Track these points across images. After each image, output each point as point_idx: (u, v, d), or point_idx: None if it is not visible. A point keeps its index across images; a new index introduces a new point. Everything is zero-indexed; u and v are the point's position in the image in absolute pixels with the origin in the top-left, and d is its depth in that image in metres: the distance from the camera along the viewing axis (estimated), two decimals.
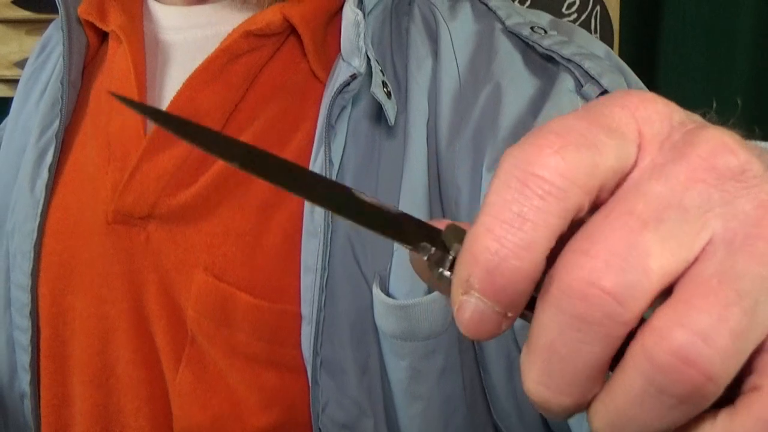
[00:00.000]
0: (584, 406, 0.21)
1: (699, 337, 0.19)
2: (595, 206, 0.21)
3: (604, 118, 0.21)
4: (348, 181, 0.49)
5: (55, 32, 0.64)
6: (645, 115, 0.22)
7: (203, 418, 0.50)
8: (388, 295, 0.47)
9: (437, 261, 0.22)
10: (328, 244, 0.47)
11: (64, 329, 0.54)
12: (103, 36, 0.59)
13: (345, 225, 0.48)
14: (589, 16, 1.41)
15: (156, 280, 0.51)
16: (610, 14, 1.40)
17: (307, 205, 0.48)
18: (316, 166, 0.48)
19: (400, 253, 0.48)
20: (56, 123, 0.55)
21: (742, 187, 0.20)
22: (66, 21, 0.56)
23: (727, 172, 0.20)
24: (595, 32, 1.38)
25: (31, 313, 0.54)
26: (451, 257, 0.22)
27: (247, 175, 0.50)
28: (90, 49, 0.58)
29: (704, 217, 0.20)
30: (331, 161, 0.48)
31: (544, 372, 0.21)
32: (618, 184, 0.21)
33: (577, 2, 1.41)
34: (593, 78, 0.47)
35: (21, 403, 0.58)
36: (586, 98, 0.46)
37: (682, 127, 0.22)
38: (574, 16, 1.39)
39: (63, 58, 0.55)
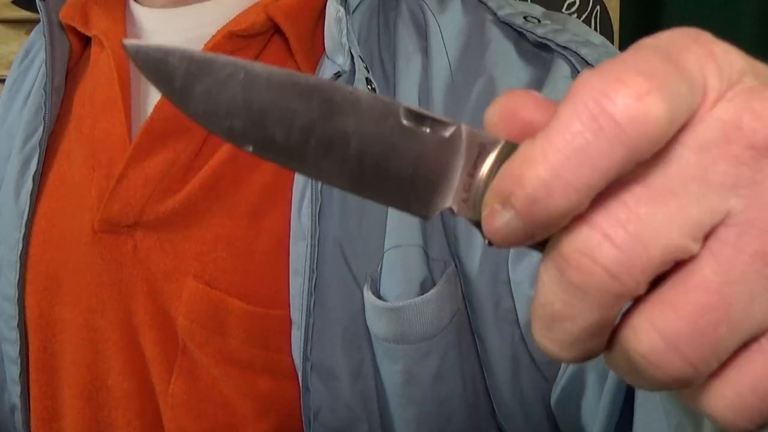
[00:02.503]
0: (589, 356, 0.21)
1: (668, 344, 0.19)
2: None
3: (685, 63, 0.19)
4: None
5: (38, 37, 0.62)
6: (716, 66, 0.20)
7: (197, 429, 0.49)
8: (379, 296, 0.46)
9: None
10: (316, 246, 0.46)
11: (53, 341, 0.53)
12: (86, 40, 0.57)
13: (333, 226, 0.47)
14: (589, 16, 1.40)
15: (145, 290, 0.50)
16: (610, 14, 1.39)
17: (295, 207, 0.47)
18: None
19: (391, 253, 0.47)
20: (40, 130, 0.54)
21: None
22: (48, 26, 0.54)
23: (766, 149, 0.19)
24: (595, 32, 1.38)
25: (18, 325, 0.53)
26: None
27: (236, 179, 0.49)
28: (73, 53, 0.57)
29: (726, 193, 0.19)
30: None
31: (544, 326, 0.20)
32: None
33: (577, 2, 1.41)
34: (590, 64, 0.46)
35: (12, 415, 0.57)
36: None
37: (741, 85, 0.20)
38: (574, 16, 1.38)
39: (45, 64, 0.54)
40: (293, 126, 0.22)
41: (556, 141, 0.19)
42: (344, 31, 0.48)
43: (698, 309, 0.18)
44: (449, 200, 0.22)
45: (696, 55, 0.20)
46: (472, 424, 0.49)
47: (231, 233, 0.48)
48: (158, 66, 0.22)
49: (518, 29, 0.50)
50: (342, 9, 0.48)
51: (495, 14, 0.51)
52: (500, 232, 0.20)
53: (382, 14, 0.53)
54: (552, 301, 0.20)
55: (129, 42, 0.23)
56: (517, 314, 0.46)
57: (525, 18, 0.50)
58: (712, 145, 0.19)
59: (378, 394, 0.48)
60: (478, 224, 0.22)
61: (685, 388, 0.20)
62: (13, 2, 1.37)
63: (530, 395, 0.48)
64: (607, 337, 0.20)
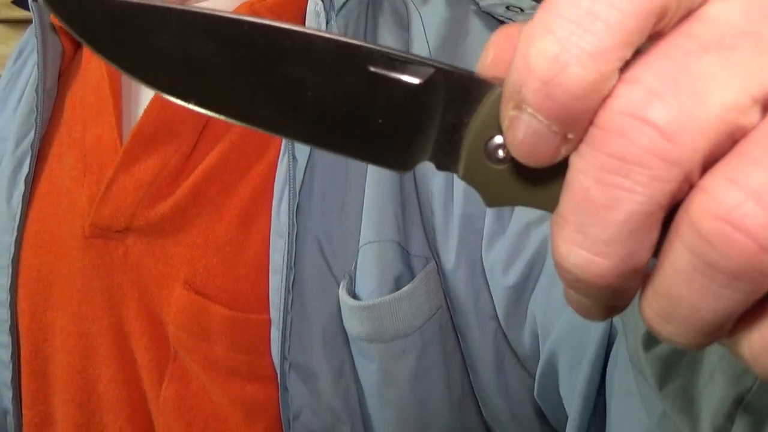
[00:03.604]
0: (626, 278, 0.17)
1: (753, 196, 0.15)
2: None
3: None
4: (316, 180, 0.48)
5: (31, 38, 0.62)
6: None
7: None
8: (354, 294, 0.46)
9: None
10: (294, 243, 0.46)
11: (45, 346, 0.53)
12: (79, 42, 0.57)
13: (312, 223, 0.46)
14: None
15: (136, 296, 0.49)
16: None
17: (275, 205, 0.47)
18: (282, 165, 0.47)
19: (366, 248, 0.46)
20: (32, 133, 0.53)
21: None
22: (40, 28, 0.54)
23: None
24: None
25: (11, 329, 0.53)
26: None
27: (226, 184, 0.49)
28: (65, 55, 0.56)
29: None
30: (294, 157, 0.46)
31: (577, 229, 0.17)
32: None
33: None
34: None
35: (4, 419, 0.56)
36: None
37: None
38: None
39: (38, 65, 0.53)
40: (237, 77, 0.20)
41: (557, 7, 0.16)
42: (323, 26, 0.47)
43: None
44: (428, 153, 0.20)
45: None
46: (457, 424, 0.48)
47: (221, 238, 0.48)
48: (79, 16, 0.21)
49: (499, 18, 0.49)
50: (320, 3, 0.48)
51: (477, 4, 0.51)
52: (526, 143, 0.17)
53: (370, 11, 0.52)
54: (587, 187, 0.16)
55: None
56: (495, 307, 0.45)
57: (507, 7, 0.50)
58: (762, 4, 0.16)
59: (359, 394, 0.48)
60: (467, 181, 0.20)
61: (762, 282, 0.16)
62: (13, 2, 1.37)
63: (516, 392, 0.47)
64: (656, 237, 0.17)
